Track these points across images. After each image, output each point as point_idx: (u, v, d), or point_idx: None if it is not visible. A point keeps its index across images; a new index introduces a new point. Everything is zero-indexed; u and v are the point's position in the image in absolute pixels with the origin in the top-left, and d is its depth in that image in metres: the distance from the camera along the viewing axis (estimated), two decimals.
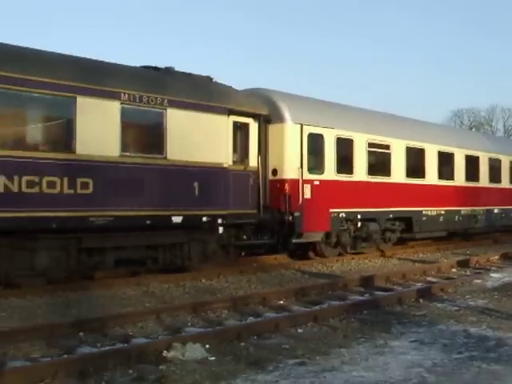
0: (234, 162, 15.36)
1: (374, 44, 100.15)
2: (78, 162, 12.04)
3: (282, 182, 16.50)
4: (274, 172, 16.58)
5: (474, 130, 61.02)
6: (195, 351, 7.46)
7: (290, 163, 16.57)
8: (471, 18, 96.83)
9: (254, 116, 15.94)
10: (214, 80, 15.50)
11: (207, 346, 7.75)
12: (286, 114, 16.71)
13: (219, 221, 14.64)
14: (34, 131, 12.22)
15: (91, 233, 12.46)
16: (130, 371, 6.80)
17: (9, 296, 11.20)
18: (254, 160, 15.89)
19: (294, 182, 16.56)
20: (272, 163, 16.57)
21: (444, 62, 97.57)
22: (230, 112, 15.05)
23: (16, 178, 11.13)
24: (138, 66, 14.47)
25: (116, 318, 9.42)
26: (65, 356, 7.53)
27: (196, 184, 13.99)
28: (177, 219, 13.67)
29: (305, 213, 16.64)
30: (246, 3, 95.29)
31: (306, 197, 16.73)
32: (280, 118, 16.67)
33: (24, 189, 11.24)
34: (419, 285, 13.65)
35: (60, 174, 11.75)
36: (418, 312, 10.48)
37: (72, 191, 11.88)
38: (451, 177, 23.34)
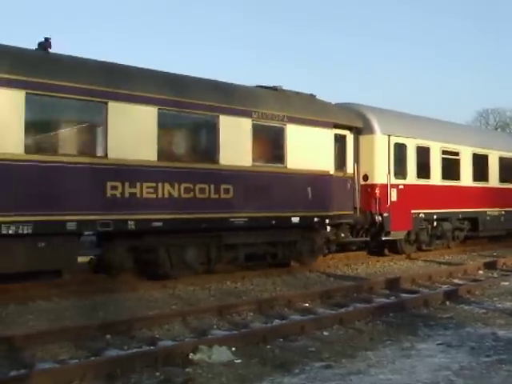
0: (335, 169, 17.35)
1: (397, 42, 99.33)
2: (222, 172, 14.10)
3: (373, 186, 18.71)
4: (365, 177, 18.72)
5: (499, 130, 60.43)
6: (221, 354, 7.48)
7: (380, 170, 18.82)
8: (497, 16, 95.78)
9: (350, 128, 18.24)
10: (316, 97, 17.70)
11: (233, 348, 7.76)
12: (376, 126, 18.87)
13: (327, 221, 16.76)
14: (191, 147, 14.43)
15: (229, 231, 14.47)
16: (157, 373, 6.84)
17: (36, 299, 11.32)
18: (350, 167, 18.19)
19: (383, 187, 18.85)
20: (363, 170, 18.67)
21: (468, 62, 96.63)
22: (334, 125, 17.23)
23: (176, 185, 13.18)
24: (254, 85, 16.49)
25: (143, 321, 9.49)
26: (92, 358, 7.59)
27: (309, 189, 16.20)
28: (295, 220, 15.81)
29: (392, 213, 18.78)
30: (245, 2, 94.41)
31: (392, 199, 18.97)
32: (370, 130, 18.82)
33: (183, 195, 13.24)
34: (445, 287, 13.55)
35: (208, 181, 13.74)
36: (445, 314, 10.41)
37: (217, 196, 13.85)
38: (510, 180, 25.37)
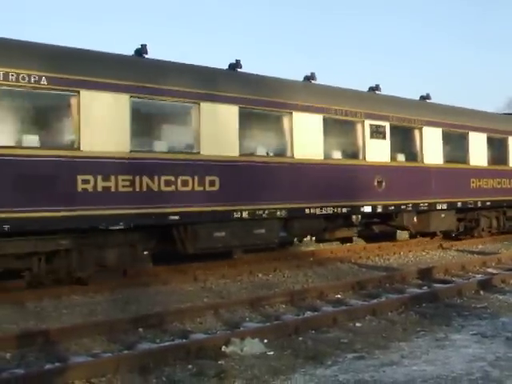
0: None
1: (424, 27, 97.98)
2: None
3: None
4: None
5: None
6: (253, 346, 7.48)
7: None
8: None
9: None
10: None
11: (265, 340, 7.77)
12: None
13: None
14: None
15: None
16: (190, 366, 6.87)
17: (70, 294, 11.44)
18: None
19: None
20: None
21: (497, 47, 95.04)
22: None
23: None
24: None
25: (175, 314, 9.53)
26: (125, 351, 7.65)
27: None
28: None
29: None
30: None
31: None
32: None
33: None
34: (479, 276, 13.38)
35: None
36: (479, 304, 10.28)
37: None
38: None
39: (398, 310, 9.83)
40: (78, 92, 11.24)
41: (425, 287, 12.13)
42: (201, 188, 12.81)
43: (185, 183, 12.54)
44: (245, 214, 13.56)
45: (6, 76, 10.42)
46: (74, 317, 9.82)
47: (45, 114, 11.62)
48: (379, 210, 16.71)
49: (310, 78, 15.91)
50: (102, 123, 11.51)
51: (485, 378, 6.20)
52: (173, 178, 12.34)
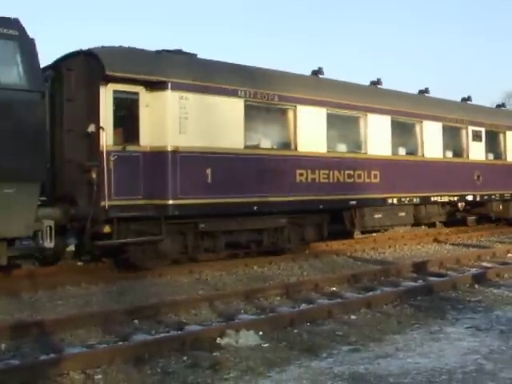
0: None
1: (424, 20, 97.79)
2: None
3: None
4: None
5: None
6: (249, 338, 7.49)
7: None
8: None
9: None
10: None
11: (260, 332, 7.77)
12: None
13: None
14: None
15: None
16: (185, 358, 6.87)
17: (65, 284, 11.44)
18: None
19: None
20: None
21: (495, 41, 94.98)
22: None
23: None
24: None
25: (170, 306, 9.54)
26: (120, 343, 7.65)
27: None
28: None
29: None
30: None
31: None
32: None
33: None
34: (474, 270, 13.42)
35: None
36: (474, 298, 10.31)
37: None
38: None
39: (392, 303, 9.85)
40: (295, 106, 15.08)
41: (420, 280, 12.16)
42: (368, 180, 16.83)
43: (359, 176, 16.61)
44: (394, 201, 17.65)
45: (255, 94, 14.20)
46: (69, 308, 9.82)
47: (275, 123, 15.29)
48: (478, 198, 21.15)
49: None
50: (309, 130, 15.39)
51: (479, 370, 6.21)
52: (352, 172, 16.38)
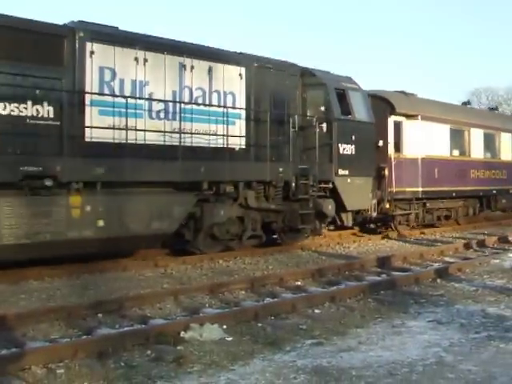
0: None
1: (389, 21, 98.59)
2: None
3: None
4: None
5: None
6: (213, 332, 7.51)
7: None
8: None
9: None
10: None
11: (224, 326, 7.79)
12: None
13: None
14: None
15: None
16: (149, 352, 6.86)
17: (28, 278, 11.31)
18: None
19: None
20: None
21: (459, 41, 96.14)
22: None
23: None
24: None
25: (134, 300, 9.49)
26: (84, 337, 7.61)
27: None
28: None
29: None
30: None
31: None
32: None
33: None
34: (437, 265, 13.62)
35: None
36: (436, 292, 10.47)
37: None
38: None
39: (356, 297, 9.95)
40: (469, 130, 23.67)
41: (383, 275, 12.30)
42: (500, 177, 25.60)
43: (497, 174, 25.19)
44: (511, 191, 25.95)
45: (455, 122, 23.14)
46: (32, 302, 9.72)
47: (459, 139, 23.57)
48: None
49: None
50: (478, 143, 24.16)
51: (439, 362, 6.33)
52: (494, 171, 25.16)
